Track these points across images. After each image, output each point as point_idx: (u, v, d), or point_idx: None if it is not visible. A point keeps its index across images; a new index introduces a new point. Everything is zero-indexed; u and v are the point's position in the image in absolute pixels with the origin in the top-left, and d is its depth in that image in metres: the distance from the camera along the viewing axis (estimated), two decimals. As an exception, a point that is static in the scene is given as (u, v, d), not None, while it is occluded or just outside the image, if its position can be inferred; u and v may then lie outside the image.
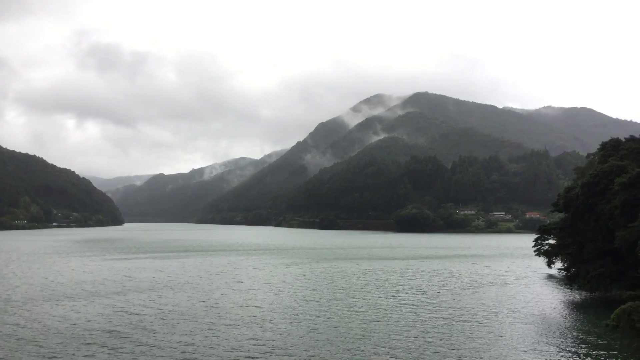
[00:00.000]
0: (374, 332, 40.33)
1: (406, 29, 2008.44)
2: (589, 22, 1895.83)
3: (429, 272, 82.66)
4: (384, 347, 36.09)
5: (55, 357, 34.00)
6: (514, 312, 49.25)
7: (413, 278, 74.42)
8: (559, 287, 66.89)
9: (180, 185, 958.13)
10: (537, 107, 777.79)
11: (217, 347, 36.33)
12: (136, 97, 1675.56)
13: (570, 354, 34.77)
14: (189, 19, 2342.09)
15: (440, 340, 38.16)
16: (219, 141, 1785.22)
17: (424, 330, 41.02)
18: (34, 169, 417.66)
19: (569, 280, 61.92)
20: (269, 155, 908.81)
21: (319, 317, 46.35)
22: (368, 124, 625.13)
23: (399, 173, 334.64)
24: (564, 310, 51.03)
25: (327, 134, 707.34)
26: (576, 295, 59.69)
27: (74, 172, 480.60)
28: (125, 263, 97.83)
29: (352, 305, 51.84)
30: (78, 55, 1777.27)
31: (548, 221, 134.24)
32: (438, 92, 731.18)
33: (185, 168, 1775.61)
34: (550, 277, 77.02)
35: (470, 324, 43.62)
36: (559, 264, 76.08)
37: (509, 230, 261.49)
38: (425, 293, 60.15)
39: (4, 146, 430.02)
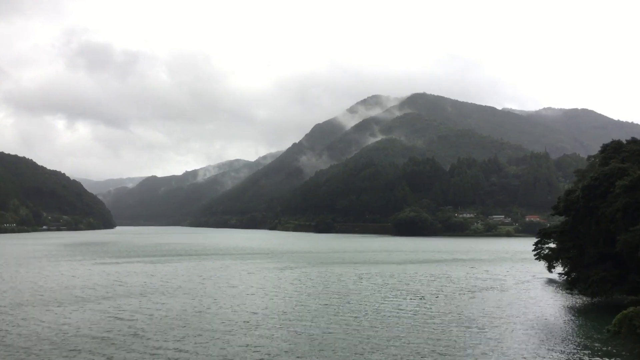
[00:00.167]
0: (370, 338, 40.20)
1: (404, 28, 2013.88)
2: (589, 21, 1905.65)
3: (426, 276, 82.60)
4: (380, 354, 35.98)
5: (43, 364, 33.73)
6: (513, 317, 49.21)
7: (410, 283, 74.32)
8: (560, 291, 66.89)
9: (173, 187, 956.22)
10: (537, 109, 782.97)
11: (210, 353, 36.15)
12: (128, 98, 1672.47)
13: (571, 361, 34.72)
14: (182, 17, 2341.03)
15: (439, 346, 38.06)
16: (212, 143, 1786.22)
17: (422, 337, 40.91)
18: (23, 171, 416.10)
19: (569, 284, 61.99)
20: (264, 157, 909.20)
21: (313, 323, 46.19)
22: (365, 126, 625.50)
23: (397, 175, 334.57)
24: (564, 316, 51.03)
25: (323, 135, 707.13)
26: (577, 300, 59.70)
27: (64, 174, 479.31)
28: (116, 267, 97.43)
29: (347, 311, 51.70)
30: (68, 55, 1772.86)
31: (548, 225, 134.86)
32: (436, 93, 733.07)
33: (178, 170, 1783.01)
34: (551, 281, 77.03)
35: (469, 330, 43.55)
36: (559, 269, 76.14)
37: (508, 234, 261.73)
38: (422, 298, 60.07)
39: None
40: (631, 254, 49.12)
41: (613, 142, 69.71)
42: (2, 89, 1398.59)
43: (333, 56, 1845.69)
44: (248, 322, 46.49)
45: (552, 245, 79.83)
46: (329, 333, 42.05)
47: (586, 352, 37.11)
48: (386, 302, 57.29)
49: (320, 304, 55.77)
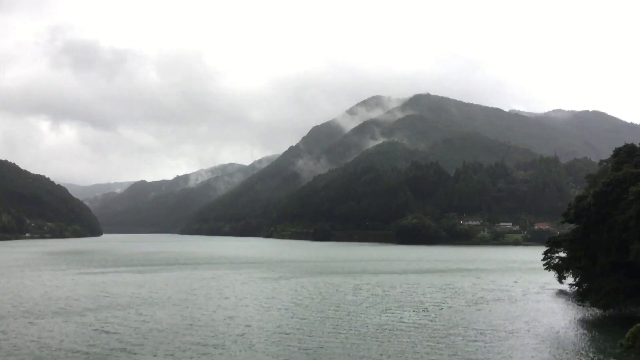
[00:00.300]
0: (370, 353, 39.99)
1: (406, 25, 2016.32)
2: (600, 20, 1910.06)
3: (430, 287, 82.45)
4: (381, 370, 35.75)
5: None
6: (522, 330, 49.05)
7: (413, 294, 74.15)
8: (570, 303, 66.81)
9: (163, 193, 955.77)
10: (546, 111, 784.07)
11: (201, 369, 35.89)
12: (116, 98, 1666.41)
13: (582, 377, 34.54)
14: (172, 14, 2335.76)
15: (443, 361, 37.86)
16: (205, 146, 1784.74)
17: (425, 351, 40.72)
18: (5, 175, 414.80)
19: (580, 296, 61.86)
20: (259, 161, 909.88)
21: (310, 336, 45.99)
22: (365, 128, 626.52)
23: (399, 180, 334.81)
24: (575, 329, 50.89)
25: (321, 138, 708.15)
26: (589, 313, 59.60)
27: (48, 178, 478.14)
28: (103, 277, 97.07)
29: (346, 324, 51.49)
30: (52, 53, 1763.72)
31: (558, 233, 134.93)
32: (440, 94, 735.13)
33: (169, 174, 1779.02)
34: (561, 292, 76.95)
35: (475, 344, 43.36)
36: (570, 279, 76.06)
37: (516, 242, 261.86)
38: (426, 310, 59.89)
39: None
40: (645, 264, 49.03)
41: (626, 145, 69.72)
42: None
43: (332, 54, 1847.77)
44: (242, 335, 46.26)
45: (562, 254, 79.76)
46: (327, 347, 41.84)
47: (598, 367, 36.94)
48: (387, 314, 57.10)
49: (317, 317, 55.57)
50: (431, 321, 53.25)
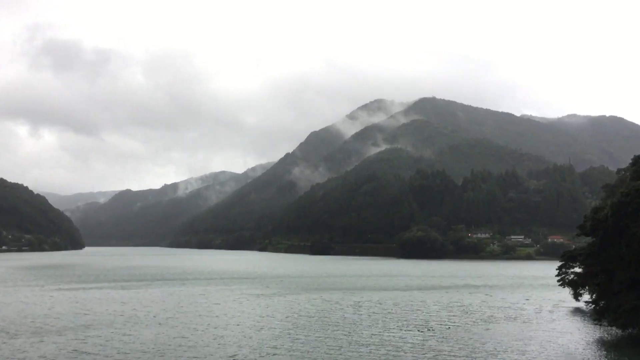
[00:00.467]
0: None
1: (410, 24, 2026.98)
2: (616, 19, 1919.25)
3: (435, 304, 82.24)
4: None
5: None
6: (535, 352, 48.80)
7: (417, 312, 73.93)
8: (587, 322, 66.65)
9: (150, 203, 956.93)
10: (560, 116, 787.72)
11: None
12: (99, 102, 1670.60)
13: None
14: (160, 12, 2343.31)
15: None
16: (195, 152, 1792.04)
17: (430, 374, 40.43)
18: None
19: (597, 314, 61.64)
20: (253, 169, 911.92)
21: (306, 358, 45.76)
22: (366, 134, 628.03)
23: (403, 190, 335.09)
24: (592, 350, 50.64)
25: (320, 144, 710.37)
26: (606, 332, 59.40)
27: (27, 187, 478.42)
28: (84, 294, 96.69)
29: (345, 344, 51.21)
30: (31, 54, 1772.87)
31: (573, 246, 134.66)
32: (446, 98, 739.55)
33: (156, 183, 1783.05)
34: (577, 311, 76.79)
35: (483, 366, 43.08)
36: (586, 296, 75.91)
37: (528, 257, 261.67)
38: (431, 329, 59.65)
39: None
40: (667, 280, 48.86)
41: (645, 153, 69.71)
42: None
43: (331, 54, 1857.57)
44: (233, 357, 46.01)
45: (577, 269, 79.63)
46: (324, 370, 41.52)
47: (617, 392, 36.71)
48: (389, 333, 56.84)
49: (313, 336, 55.27)
50: (437, 342, 52.95)
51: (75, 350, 48.29)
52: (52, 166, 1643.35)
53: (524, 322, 66.22)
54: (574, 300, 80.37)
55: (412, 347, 49.99)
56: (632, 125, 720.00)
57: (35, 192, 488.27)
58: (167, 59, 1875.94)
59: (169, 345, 50.70)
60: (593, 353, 49.55)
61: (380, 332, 57.92)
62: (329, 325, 62.42)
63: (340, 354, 46.97)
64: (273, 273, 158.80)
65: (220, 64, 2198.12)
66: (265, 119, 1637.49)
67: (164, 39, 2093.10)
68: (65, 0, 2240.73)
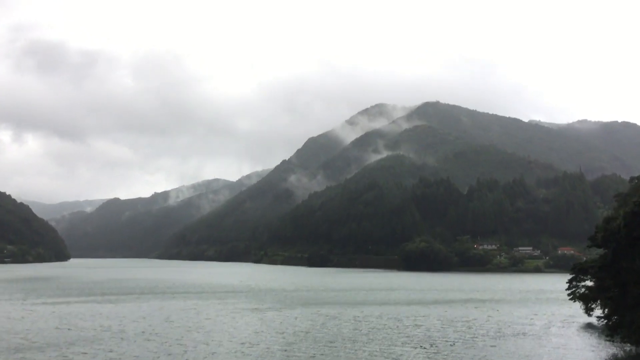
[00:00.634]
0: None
1: (412, 25, 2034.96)
2: (628, 20, 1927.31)
3: (439, 320, 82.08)
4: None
5: None
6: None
7: (420, 327, 73.76)
8: (599, 338, 66.47)
9: (139, 212, 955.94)
10: (570, 121, 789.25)
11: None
12: (85, 106, 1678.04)
13: None
14: (149, 12, 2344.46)
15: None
16: (186, 159, 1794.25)
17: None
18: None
19: (610, 330, 61.53)
20: (248, 177, 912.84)
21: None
22: (367, 140, 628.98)
23: (405, 199, 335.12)
24: (604, 368, 50.41)
25: (318, 151, 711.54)
26: (619, 349, 59.13)
27: (9, 195, 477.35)
28: (68, 308, 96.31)
29: (344, 362, 50.98)
30: (14, 55, 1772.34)
31: (584, 258, 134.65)
32: (451, 102, 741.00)
33: (145, 192, 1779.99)
34: (588, 326, 76.68)
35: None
36: (598, 311, 75.75)
37: (537, 269, 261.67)
38: (434, 346, 59.45)
39: None
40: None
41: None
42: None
43: (329, 57, 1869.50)
44: (223, 375, 45.64)
45: (589, 283, 79.57)
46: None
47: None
48: (390, 350, 56.63)
49: (310, 353, 55.11)
50: (441, 359, 52.71)
51: (57, 368, 47.97)
52: (36, 173, 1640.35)
53: (532, 338, 66.02)
54: (585, 315, 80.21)
55: (414, 365, 49.75)
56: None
57: (19, 201, 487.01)
58: (157, 61, 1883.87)
59: (157, 362, 50.39)
60: (605, 371, 49.35)
61: (380, 349, 57.69)
62: (327, 341, 62.16)
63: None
64: (268, 286, 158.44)
65: (212, 66, 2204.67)
66: (261, 124, 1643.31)
67: (154, 40, 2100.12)
68: (49, 0, 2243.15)
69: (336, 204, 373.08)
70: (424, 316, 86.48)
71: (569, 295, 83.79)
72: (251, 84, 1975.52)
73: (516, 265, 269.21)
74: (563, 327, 76.41)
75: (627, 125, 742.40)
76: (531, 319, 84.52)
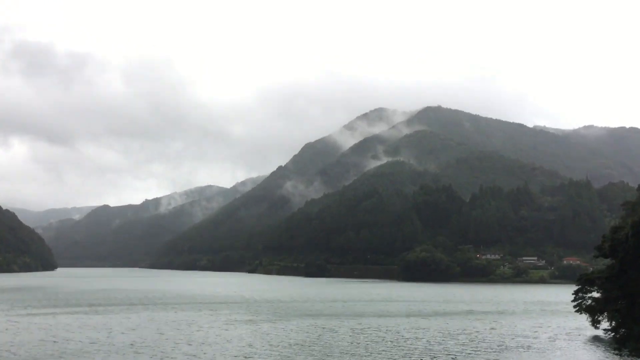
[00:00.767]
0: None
1: (413, 29, 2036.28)
2: (636, 24, 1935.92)
3: (440, 332, 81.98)
4: None
5: None
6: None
7: (420, 340, 73.64)
8: (606, 352, 66.40)
9: (129, 220, 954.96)
10: (576, 127, 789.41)
11: None
12: (74, 110, 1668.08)
13: None
14: (140, 14, 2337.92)
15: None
16: (179, 165, 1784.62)
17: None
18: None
19: (617, 343, 61.50)
20: (242, 184, 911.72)
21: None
22: (366, 146, 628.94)
23: (405, 207, 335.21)
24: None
25: (315, 157, 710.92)
26: (627, 364, 59.11)
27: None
28: (53, 319, 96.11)
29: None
30: (0, 58, 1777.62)
31: (591, 269, 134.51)
32: (453, 107, 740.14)
33: (136, 198, 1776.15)
34: (595, 339, 76.57)
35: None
36: (605, 323, 75.68)
37: (542, 280, 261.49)
38: (435, 359, 59.27)
39: None
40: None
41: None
42: None
43: (326, 61, 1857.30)
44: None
45: (595, 294, 79.55)
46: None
47: None
48: (389, 364, 56.41)
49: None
50: (441, 373, 52.63)
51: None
52: (23, 179, 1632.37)
53: (537, 351, 65.91)
54: (591, 327, 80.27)
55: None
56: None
57: (4, 208, 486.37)
58: (148, 64, 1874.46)
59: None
60: (613, 386, 49.24)
61: (379, 362, 57.53)
62: (324, 354, 62.06)
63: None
64: (263, 297, 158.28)
65: (206, 68, 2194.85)
66: (256, 129, 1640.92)
67: (145, 43, 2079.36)
68: (37, 0, 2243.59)
69: (334, 211, 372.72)
70: (424, 328, 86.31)
71: (574, 307, 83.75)
72: (246, 87, 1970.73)
73: (520, 276, 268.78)
74: (569, 340, 76.23)
75: (635, 131, 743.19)
76: (535, 331, 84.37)
